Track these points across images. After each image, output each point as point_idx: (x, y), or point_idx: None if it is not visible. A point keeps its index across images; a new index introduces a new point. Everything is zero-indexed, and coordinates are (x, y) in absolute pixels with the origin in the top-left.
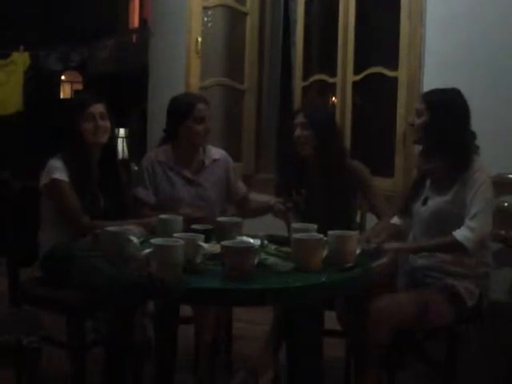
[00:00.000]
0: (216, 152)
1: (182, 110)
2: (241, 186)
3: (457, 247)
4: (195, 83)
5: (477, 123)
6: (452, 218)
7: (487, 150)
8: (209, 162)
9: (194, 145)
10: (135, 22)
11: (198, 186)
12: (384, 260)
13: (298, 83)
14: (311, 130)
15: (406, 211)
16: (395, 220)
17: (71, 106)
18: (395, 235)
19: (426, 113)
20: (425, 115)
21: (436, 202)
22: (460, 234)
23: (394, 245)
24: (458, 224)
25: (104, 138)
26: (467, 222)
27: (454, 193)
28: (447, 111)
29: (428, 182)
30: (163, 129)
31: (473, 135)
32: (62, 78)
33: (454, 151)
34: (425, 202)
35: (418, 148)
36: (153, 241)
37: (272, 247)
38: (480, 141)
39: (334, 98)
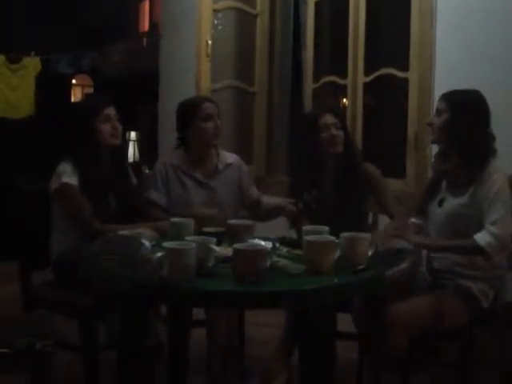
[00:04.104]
0: (230, 156)
1: (188, 110)
2: (254, 191)
3: (479, 252)
4: (206, 86)
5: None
6: (467, 219)
7: (503, 150)
8: (222, 166)
9: (205, 145)
10: (145, 25)
11: (210, 190)
12: (404, 265)
13: (309, 85)
14: (342, 129)
15: (422, 212)
16: (413, 219)
17: (86, 107)
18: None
19: (447, 112)
20: (446, 114)
21: (452, 203)
22: (482, 238)
23: (417, 238)
24: (473, 226)
25: (119, 140)
26: (489, 227)
27: (470, 195)
28: (468, 111)
29: (444, 184)
30: (177, 137)
31: (492, 137)
32: (73, 81)
33: (472, 151)
34: (440, 204)
35: (430, 148)
36: (165, 244)
37: (284, 249)
38: (495, 142)
39: (344, 100)
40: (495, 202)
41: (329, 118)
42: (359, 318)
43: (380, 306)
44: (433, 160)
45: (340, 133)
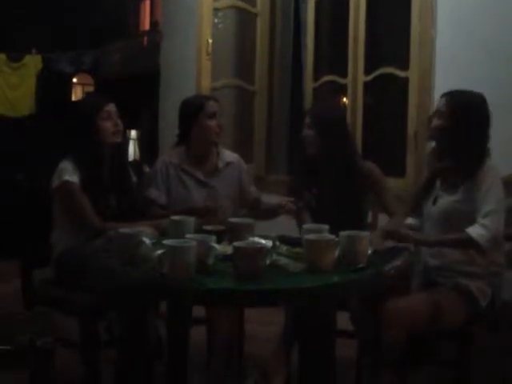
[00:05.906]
0: (230, 155)
1: (193, 107)
2: (253, 191)
3: (471, 244)
4: (206, 84)
5: None
6: (462, 217)
7: (499, 150)
8: (222, 165)
9: (207, 142)
10: (146, 24)
11: (211, 189)
12: (398, 262)
13: (309, 84)
14: (315, 129)
15: (417, 210)
16: (410, 220)
17: (87, 105)
18: None
19: (448, 116)
20: (445, 119)
21: (446, 201)
22: (474, 231)
23: (410, 233)
24: (468, 223)
25: (120, 138)
26: (480, 220)
27: (464, 192)
28: (469, 120)
29: (438, 182)
30: (176, 134)
31: (488, 138)
32: (74, 80)
33: (469, 155)
34: (435, 202)
35: (429, 147)
36: (165, 242)
37: (284, 248)
38: (492, 140)
39: (345, 99)
40: (487, 197)
41: (306, 118)
42: (356, 315)
43: (377, 303)
44: (427, 157)
45: (309, 132)
